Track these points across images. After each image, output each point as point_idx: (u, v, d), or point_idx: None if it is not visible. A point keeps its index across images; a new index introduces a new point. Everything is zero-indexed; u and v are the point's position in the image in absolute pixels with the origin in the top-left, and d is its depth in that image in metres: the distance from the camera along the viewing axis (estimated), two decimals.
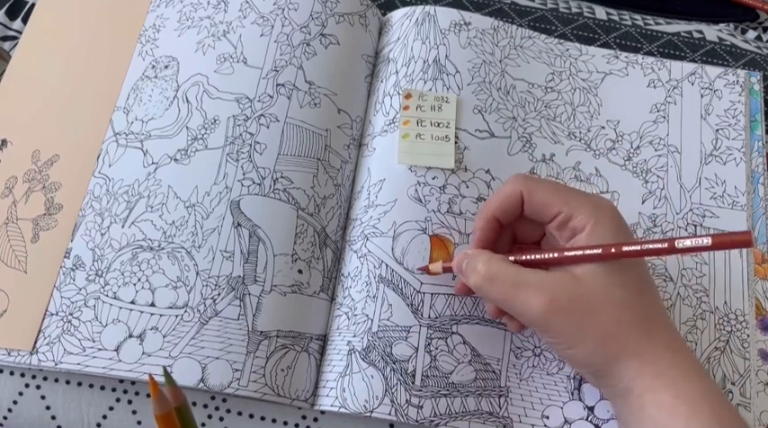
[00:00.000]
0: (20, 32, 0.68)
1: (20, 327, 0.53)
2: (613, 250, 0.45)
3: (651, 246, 0.45)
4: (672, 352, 0.46)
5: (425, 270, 0.55)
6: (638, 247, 0.45)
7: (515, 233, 0.54)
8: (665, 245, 0.45)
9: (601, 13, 0.73)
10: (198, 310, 0.53)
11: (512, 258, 0.49)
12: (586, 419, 0.53)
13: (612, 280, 0.46)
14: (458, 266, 0.52)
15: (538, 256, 0.49)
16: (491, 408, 0.53)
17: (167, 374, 0.40)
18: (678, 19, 0.75)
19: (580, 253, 0.47)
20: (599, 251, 0.46)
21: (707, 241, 0.43)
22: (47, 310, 0.54)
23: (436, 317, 0.54)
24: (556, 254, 0.48)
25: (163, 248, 0.55)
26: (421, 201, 0.57)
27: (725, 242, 0.44)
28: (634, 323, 0.46)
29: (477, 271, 0.49)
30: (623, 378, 0.46)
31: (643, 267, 0.48)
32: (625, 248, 0.45)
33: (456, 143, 0.60)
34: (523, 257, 0.49)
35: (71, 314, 0.53)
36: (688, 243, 0.44)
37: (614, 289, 0.46)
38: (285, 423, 0.54)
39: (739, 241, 0.43)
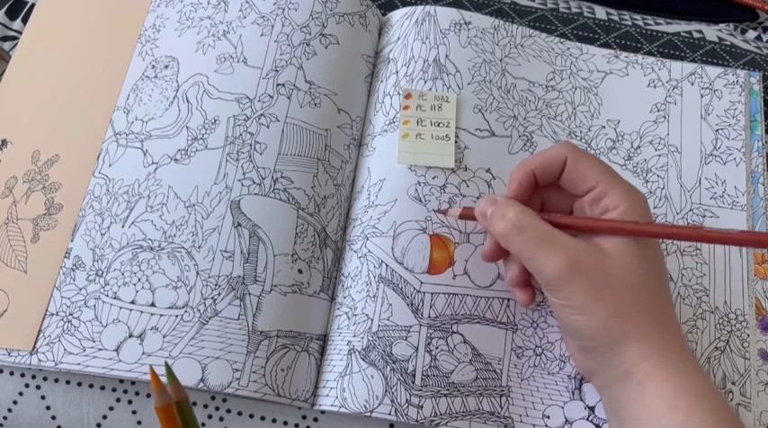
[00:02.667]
0: (20, 32, 0.68)
1: (20, 327, 0.53)
2: (645, 229, 0.46)
3: (681, 231, 0.47)
4: (679, 348, 0.46)
5: (443, 213, 0.56)
6: (671, 230, 0.46)
7: (544, 202, 0.53)
8: (695, 231, 0.46)
9: (601, 13, 0.73)
10: (198, 310, 0.53)
11: (545, 216, 0.49)
12: (587, 419, 0.53)
13: (638, 262, 0.46)
14: (482, 211, 0.51)
15: (570, 221, 0.49)
16: (492, 408, 0.53)
17: (169, 369, 0.40)
18: (678, 19, 0.75)
19: (613, 222, 0.47)
20: (629, 226, 0.46)
21: (733, 233, 0.45)
22: (47, 310, 0.54)
23: (436, 317, 0.54)
24: (588, 221, 0.48)
25: (163, 248, 0.55)
26: (421, 201, 0.57)
27: (750, 239, 0.45)
28: (651, 308, 0.46)
29: (508, 218, 0.48)
30: (626, 360, 0.46)
31: (663, 262, 0.48)
32: (655, 229, 0.46)
33: (456, 142, 0.60)
34: (556, 217, 0.49)
35: (71, 314, 0.53)
36: (716, 233, 0.45)
37: (638, 270, 0.46)
38: (285, 423, 0.54)
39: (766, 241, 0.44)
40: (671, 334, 0.46)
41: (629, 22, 0.72)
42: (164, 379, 0.40)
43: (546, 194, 0.53)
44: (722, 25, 0.75)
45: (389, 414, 0.51)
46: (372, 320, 0.54)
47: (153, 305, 0.53)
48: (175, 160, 0.58)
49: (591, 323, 0.46)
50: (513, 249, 0.49)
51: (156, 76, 0.61)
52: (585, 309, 0.46)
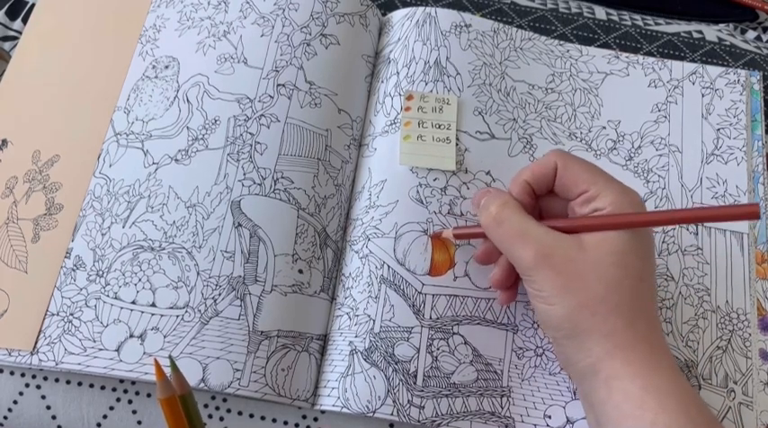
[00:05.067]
0: (20, 32, 0.67)
1: (20, 327, 0.53)
2: (616, 220, 0.46)
3: (657, 217, 0.47)
4: (648, 345, 0.46)
5: (438, 235, 0.56)
6: (646, 217, 0.47)
7: (541, 210, 0.54)
8: (675, 215, 0.47)
9: (600, 13, 0.73)
10: (199, 310, 0.53)
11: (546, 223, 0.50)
12: None
13: (615, 259, 0.46)
14: (477, 200, 0.53)
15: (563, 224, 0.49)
16: (493, 408, 0.53)
17: (173, 362, 0.41)
18: (678, 19, 0.75)
19: (582, 222, 0.48)
20: (596, 221, 0.47)
21: (716, 212, 0.46)
22: (47, 310, 0.54)
23: (437, 318, 0.54)
24: (565, 222, 0.49)
25: (163, 248, 0.55)
26: (422, 203, 0.57)
27: (733, 213, 0.45)
28: (619, 306, 0.46)
29: (489, 211, 0.50)
30: (590, 355, 0.46)
31: (651, 261, 0.48)
32: (632, 219, 0.46)
33: (457, 145, 0.60)
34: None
35: (72, 314, 0.53)
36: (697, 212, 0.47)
37: (613, 267, 0.46)
38: (285, 423, 0.54)
39: (747, 213, 0.44)
40: (641, 331, 0.46)
41: (629, 23, 0.72)
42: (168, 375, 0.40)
43: (543, 203, 0.53)
44: (722, 25, 0.76)
45: (391, 414, 0.51)
46: (374, 321, 0.54)
47: (154, 305, 0.53)
48: (176, 160, 0.58)
49: (557, 312, 0.47)
50: (494, 241, 0.51)
51: (156, 77, 0.61)
52: (553, 299, 0.47)
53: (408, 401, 0.52)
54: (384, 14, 0.68)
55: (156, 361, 0.40)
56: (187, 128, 0.59)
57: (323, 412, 0.54)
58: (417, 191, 0.58)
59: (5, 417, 0.54)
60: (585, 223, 0.48)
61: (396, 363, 0.53)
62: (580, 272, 0.46)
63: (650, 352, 0.46)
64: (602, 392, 0.46)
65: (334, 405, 0.52)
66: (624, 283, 0.46)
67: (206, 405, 0.54)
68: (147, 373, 0.51)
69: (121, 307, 0.53)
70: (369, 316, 0.54)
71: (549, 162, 0.50)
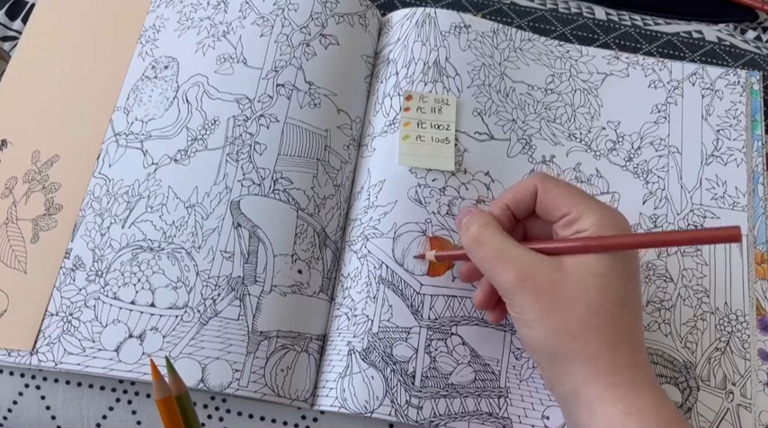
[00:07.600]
0: (20, 32, 0.68)
1: (20, 328, 0.53)
2: (596, 243, 0.46)
3: (636, 240, 0.46)
4: (632, 369, 0.45)
5: (421, 257, 0.56)
6: (626, 240, 0.46)
7: (526, 231, 0.53)
8: (655, 238, 0.47)
9: (600, 13, 0.73)
10: (198, 310, 0.53)
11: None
12: None
13: (597, 281, 0.45)
14: (459, 219, 0.52)
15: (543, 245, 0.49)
16: (490, 409, 0.53)
17: (169, 363, 0.41)
18: (677, 19, 0.75)
19: (562, 244, 0.47)
20: (578, 244, 0.46)
21: (697, 235, 0.45)
22: (47, 310, 0.54)
23: (436, 318, 0.54)
24: (545, 244, 0.48)
25: (163, 249, 0.55)
26: (421, 203, 0.57)
27: (714, 237, 0.44)
28: (600, 330, 0.45)
29: (470, 232, 0.50)
30: (573, 379, 0.45)
31: (634, 284, 0.48)
32: (611, 241, 0.46)
33: (456, 145, 0.60)
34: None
35: (71, 314, 0.53)
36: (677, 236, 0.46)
37: (595, 289, 0.45)
38: (285, 424, 0.54)
39: (728, 236, 0.43)
40: (624, 356, 0.45)
41: (629, 23, 0.72)
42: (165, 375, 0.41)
43: (527, 224, 0.53)
44: (722, 25, 0.76)
45: (389, 414, 0.51)
46: (372, 321, 0.54)
47: (153, 305, 0.53)
48: (175, 160, 0.58)
49: (537, 336, 0.46)
50: (475, 261, 0.50)
51: (155, 77, 0.61)
52: (533, 323, 0.46)
53: (406, 401, 0.52)
54: (384, 15, 0.68)
55: (151, 361, 0.40)
56: (186, 128, 0.59)
57: (322, 412, 0.54)
58: (416, 192, 0.58)
59: (5, 417, 0.54)
60: (566, 245, 0.47)
61: (394, 364, 0.53)
62: (560, 295, 0.45)
63: (633, 375, 0.45)
64: (584, 416, 0.45)
65: (332, 406, 0.52)
66: (605, 307, 0.45)
67: (206, 406, 0.54)
68: (146, 373, 0.51)
69: (120, 308, 0.53)
70: (367, 316, 0.54)
71: (529, 186, 0.50)
